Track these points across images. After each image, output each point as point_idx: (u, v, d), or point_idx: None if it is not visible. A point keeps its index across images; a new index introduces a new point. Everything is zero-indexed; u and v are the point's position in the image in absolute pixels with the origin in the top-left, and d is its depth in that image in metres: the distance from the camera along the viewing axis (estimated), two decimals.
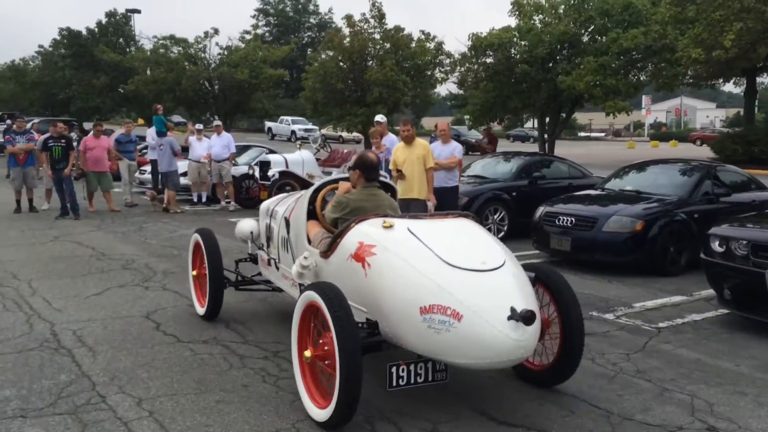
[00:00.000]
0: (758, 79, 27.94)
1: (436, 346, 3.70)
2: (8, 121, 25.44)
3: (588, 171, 12.33)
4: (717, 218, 7.75)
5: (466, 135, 35.31)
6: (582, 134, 66.24)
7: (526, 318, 3.56)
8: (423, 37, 24.91)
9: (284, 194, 6.42)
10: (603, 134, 69.96)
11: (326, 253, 4.49)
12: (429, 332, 3.67)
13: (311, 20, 76.94)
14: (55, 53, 48.04)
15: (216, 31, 32.10)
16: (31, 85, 48.96)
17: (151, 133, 15.28)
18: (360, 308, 4.09)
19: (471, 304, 3.63)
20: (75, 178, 12.95)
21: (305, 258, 4.61)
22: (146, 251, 9.43)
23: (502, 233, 10.60)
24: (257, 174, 14.33)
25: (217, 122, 15.59)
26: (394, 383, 3.82)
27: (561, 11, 21.08)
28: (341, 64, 24.70)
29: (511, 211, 10.68)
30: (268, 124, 49.32)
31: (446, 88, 35.72)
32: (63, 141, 12.85)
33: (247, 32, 46.55)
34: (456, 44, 75.62)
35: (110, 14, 48.24)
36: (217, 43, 33.04)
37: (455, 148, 9.50)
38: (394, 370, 3.81)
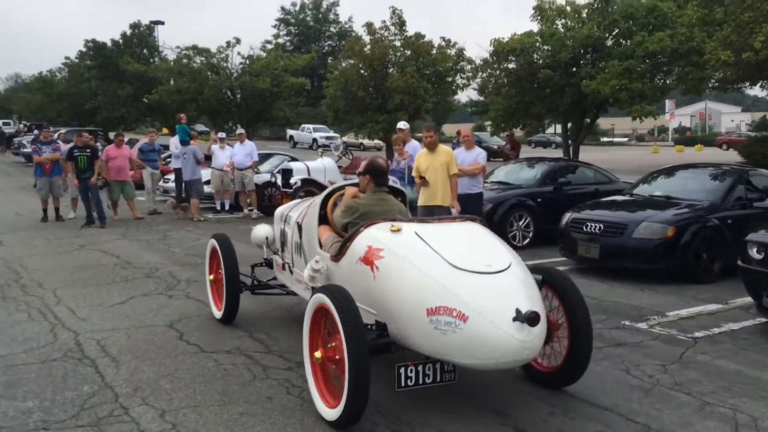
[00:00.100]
0: None
1: (443, 346, 3.76)
2: (36, 132, 25.84)
3: (614, 176, 12.11)
4: (751, 224, 7.53)
5: (487, 141, 35.06)
6: (604, 139, 65.50)
7: (531, 319, 3.61)
8: (444, 43, 24.80)
9: (298, 200, 6.53)
10: (626, 139, 69.16)
11: (337, 256, 4.59)
12: (435, 333, 3.73)
13: (331, 29, 77.29)
14: (81, 65, 48.78)
15: (238, 41, 32.27)
16: (58, 96, 49.75)
17: (174, 142, 15.35)
18: (369, 310, 4.17)
19: (476, 305, 3.69)
20: (99, 187, 13.05)
21: (316, 262, 4.71)
22: (170, 259, 9.42)
23: (527, 240, 10.45)
24: (279, 182, 14.32)
25: (240, 131, 15.60)
26: (403, 384, 3.87)
27: (584, 15, 20.81)
28: (362, 71, 24.64)
29: (536, 217, 10.51)
30: (289, 132, 49.52)
31: (467, 94, 35.66)
32: (88, 150, 12.98)
33: (269, 42, 46.71)
34: (476, 50, 75.59)
35: (134, 26, 48.90)
36: (239, 53, 33.19)
37: (479, 154, 9.36)
38: (402, 371, 3.86)
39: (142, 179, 14.66)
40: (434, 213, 8.38)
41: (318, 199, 5.39)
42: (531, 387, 4.69)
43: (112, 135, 24.44)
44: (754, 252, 6.02)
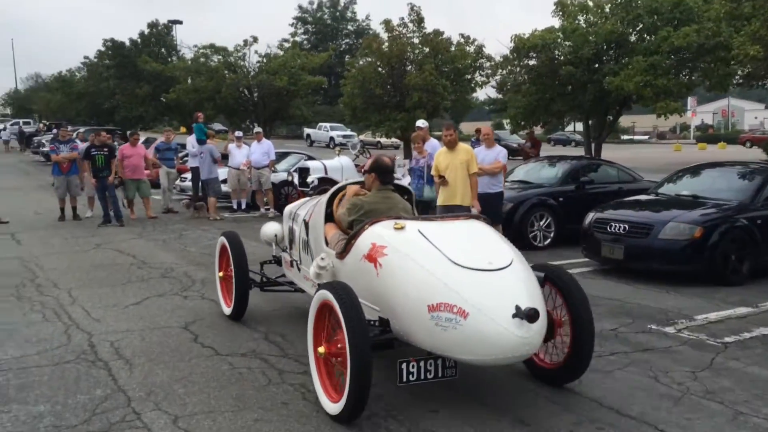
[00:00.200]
0: None
1: (444, 342, 3.81)
2: (55, 131, 26.01)
3: (638, 175, 11.84)
4: None
5: (506, 139, 34.72)
6: (625, 137, 64.71)
7: (530, 316, 3.65)
8: (463, 40, 24.57)
9: (307, 198, 6.65)
10: (646, 137, 68.31)
11: (342, 254, 4.66)
12: (437, 329, 3.79)
13: (349, 27, 77.29)
14: (99, 64, 49.13)
15: (255, 40, 32.29)
16: (78, 95, 50.17)
17: (191, 141, 15.30)
18: (373, 307, 4.24)
19: (476, 302, 3.74)
20: (115, 185, 13.05)
21: (322, 259, 4.80)
22: (185, 259, 9.34)
23: (548, 240, 10.23)
24: (296, 180, 14.21)
25: (258, 129, 15.54)
26: (405, 379, 3.91)
27: (607, 10, 20.42)
28: (380, 69, 24.50)
29: (557, 217, 10.28)
30: (306, 130, 49.51)
31: (485, 92, 35.26)
32: (105, 150, 13.00)
33: (286, 40, 46.81)
34: (495, 48, 75.06)
35: (152, 25, 49.15)
36: (256, 51, 33.22)
37: (499, 153, 9.18)
38: (404, 366, 3.90)
39: (159, 178, 14.64)
40: (453, 212, 8.22)
41: (324, 198, 5.45)
42: (554, 394, 4.51)
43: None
44: None
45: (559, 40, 20.36)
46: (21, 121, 52.63)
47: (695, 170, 9.93)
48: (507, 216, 9.65)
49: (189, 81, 33.56)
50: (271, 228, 6.39)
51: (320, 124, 48.33)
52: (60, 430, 3.97)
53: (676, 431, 4.00)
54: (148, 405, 4.32)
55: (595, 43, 19.61)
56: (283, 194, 14.45)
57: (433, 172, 8.48)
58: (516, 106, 21.51)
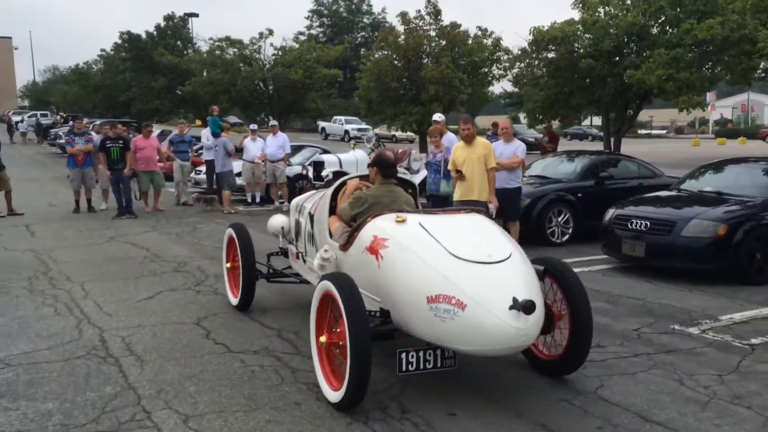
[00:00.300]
0: None
1: (442, 333, 3.88)
2: (71, 123, 26.09)
3: (659, 170, 11.60)
4: None
5: (523, 133, 34.39)
6: (642, 132, 63.92)
7: (527, 308, 3.71)
8: (480, 33, 24.29)
9: (314, 191, 6.66)
10: (664, 131, 67.48)
11: (345, 246, 4.76)
12: (435, 320, 3.86)
13: (364, 20, 76.99)
14: (116, 57, 49.29)
15: (271, 32, 32.19)
16: (94, 88, 50.40)
17: (206, 133, 15.25)
18: (374, 298, 4.34)
19: (474, 294, 3.80)
20: (129, 177, 13.04)
21: (326, 251, 4.89)
22: (199, 253, 9.27)
23: (567, 236, 10.03)
24: (311, 174, 14.10)
25: (273, 122, 15.43)
26: (404, 368, 3.99)
27: (629, 2, 20.04)
28: (396, 62, 24.30)
29: (576, 213, 10.08)
30: (321, 123, 49.40)
31: (500, 86, 34.97)
32: (120, 142, 12.97)
33: (302, 33, 46.72)
34: (513, 41, 74.25)
35: (168, 18, 49.19)
36: (271, 44, 33.15)
37: (518, 147, 9.01)
38: (404, 356, 3.98)
39: (173, 171, 14.60)
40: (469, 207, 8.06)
41: (329, 191, 5.56)
42: (575, 398, 4.37)
43: None
44: None
45: (579, 32, 20.05)
46: (38, 113, 52.96)
47: (718, 166, 9.68)
48: (525, 212, 9.47)
49: (204, 74, 33.55)
50: (278, 220, 6.48)
51: (335, 117, 48.19)
52: (68, 429, 3.89)
53: None
54: (158, 403, 4.23)
55: (616, 36, 19.27)
56: (297, 188, 14.33)
57: (450, 167, 8.32)
58: (534, 99, 21.23)
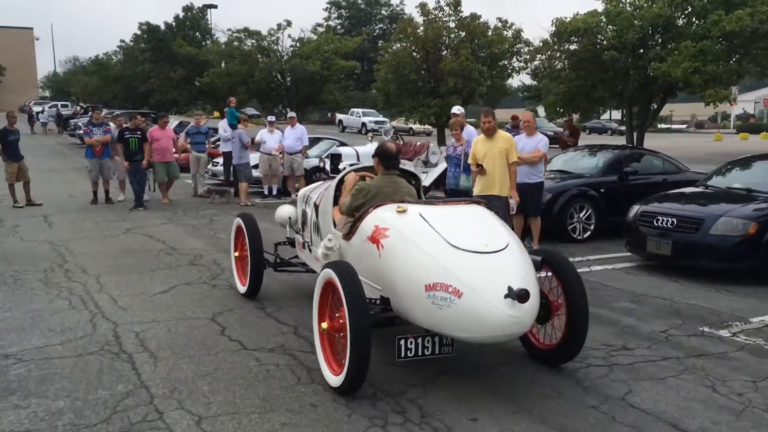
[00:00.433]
0: None
1: (440, 320, 3.97)
2: (91, 113, 26.14)
3: (684, 165, 11.31)
4: None
5: (542, 127, 33.96)
6: (662, 126, 63.01)
7: (521, 296, 3.79)
8: (500, 24, 23.95)
9: (320, 182, 6.80)
10: (684, 126, 66.52)
11: (348, 235, 4.87)
12: (433, 308, 3.95)
13: (383, 12, 76.62)
14: (135, 48, 49.47)
15: (289, 24, 32.01)
16: (114, 79, 50.67)
17: (223, 125, 15.16)
18: (375, 286, 4.45)
19: (471, 282, 3.89)
20: (146, 169, 13.00)
21: (329, 240, 5.03)
22: (215, 246, 9.17)
23: (588, 233, 9.80)
24: (328, 167, 13.95)
25: (291, 114, 15.30)
26: (403, 355, 4.10)
27: None
28: (414, 54, 24.04)
29: (598, 209, 9.83)
30: (338, 116, 49.25)
31: (519, 79, 34.52)
32: (138, 133, 12.93)
33: (320, 25, 46.45)
34: (535, 32, 73.35)
35: (187, 8, 49.24)
36: (289, 36, 33.06)
37: (539, 141, 8.80)
38: (402, 342, 4.08)
39: (189, 162, 14.55)
40: (491, 203, 7.86)
41: (334, 182, 5.68)
42: (603, 403, 4.19)
43: None
44: None
45: (602, 24, 19.60)
46: (59, 103, 53.33)
47: (746, 162, 9.39)
48: (545, 207, 9.26)
49: (222, 65, 33.48)
50: (285, 210, 6.62)
51: (352, 109, 48.00)
52: (78, 429, 3.79)
53: None
54: (171, 403, 4.12)
55: (640, 27, 18.79)
56: (314, 180, 14.21)
57: (470, 161, 8.14)
58: (555, 92, 20.84)
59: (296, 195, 13.70)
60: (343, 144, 16.15)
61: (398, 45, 25.55)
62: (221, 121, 15.71)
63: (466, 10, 24.35)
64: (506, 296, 3.82)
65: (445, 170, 9.91)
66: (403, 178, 5.32)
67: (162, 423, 3.86)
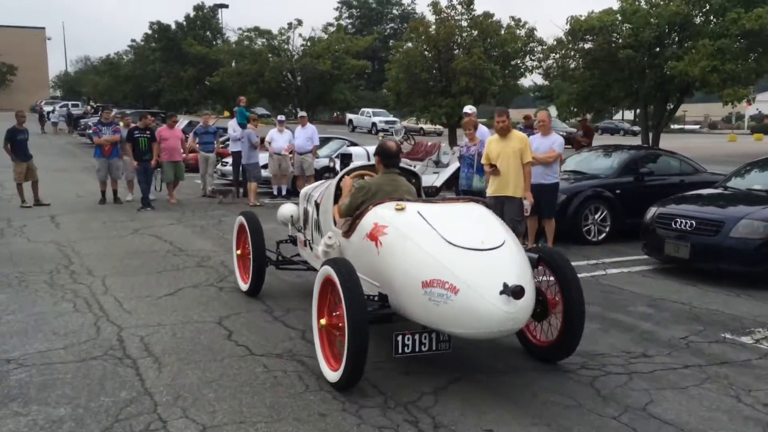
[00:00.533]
0: None
1: (436, 316, 4.01)
2: (100, 113, 26.15)
3: (701, 166, 11.07)
4: None
5: (555, 127, 33.69)
6: (675, 126, 62.43)
7: (516, 293, 3.82)
8: (513, 23, 23.72)
9: (322, 180, 6.89)
10: (697, 126, 65.92)
11: (347, 233, 4.91)
12: (429, 304, 4.00)
13: (394, 11, 76.48)
14: (146, 47, 49.58)
15: (299, 23, 31.96)
16: (125, 78, 50.81)
17: (232, 124, 15.05)
18: (373, 283, 4.48)
19: (467, 279, 3.93)
20: (154, 169, 12.92)
21: (329, 237, 5.07)
22: (223, 247, 9.05)
23: (603, 235, 9.61)
24: (338, 167, 13.82)
25: (302, 113, 15.17)
26: (400, 351, 4.15)
27: None
28: (426, 53, 23.85)
29: (614, 210, 9.63)
30: (349, 116, 49.13)
31: (530, 79, 34.17)
32: (148, 132, 12.85)
33: (330, 24, 46.38)
34: (547, 30, 72.59)
35: (198, 8, 49.32)
36: (300, 35, 32.91)
37: (554, 141, 8.62)
38: (399, 338, 4.14)
39: (198, 162, 14.47)
40: (505, 204, 7.73)
41: (335, 180, 5.73)
42: (623, 414, 4.01)
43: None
44: None
45: (617, 22, 19.29)
46: (69, 103, 53.55)
47: (766, 163, 9.17)
48: (560, 208, 9.07)
49: (233, 64, 33.45)
50: (287, 209, 6.64)
51: (362, 109, 47.87)
52: None
53: None
54: (175, 411, 3.98)
55: (657, 26, 18.47)
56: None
57: (483, 161, 7.98)
58: (569, 92, 20.55)
59: None
60: (353, 144, 16.01)
61: (410, 44, 25.38)
62: (230, 120, 15.61)
63: (478, 8, 24.18)
64: (501, 293, 3.85)
65: (458, 171, 9.75)
66: (403, 176, 5.35)
67: None
